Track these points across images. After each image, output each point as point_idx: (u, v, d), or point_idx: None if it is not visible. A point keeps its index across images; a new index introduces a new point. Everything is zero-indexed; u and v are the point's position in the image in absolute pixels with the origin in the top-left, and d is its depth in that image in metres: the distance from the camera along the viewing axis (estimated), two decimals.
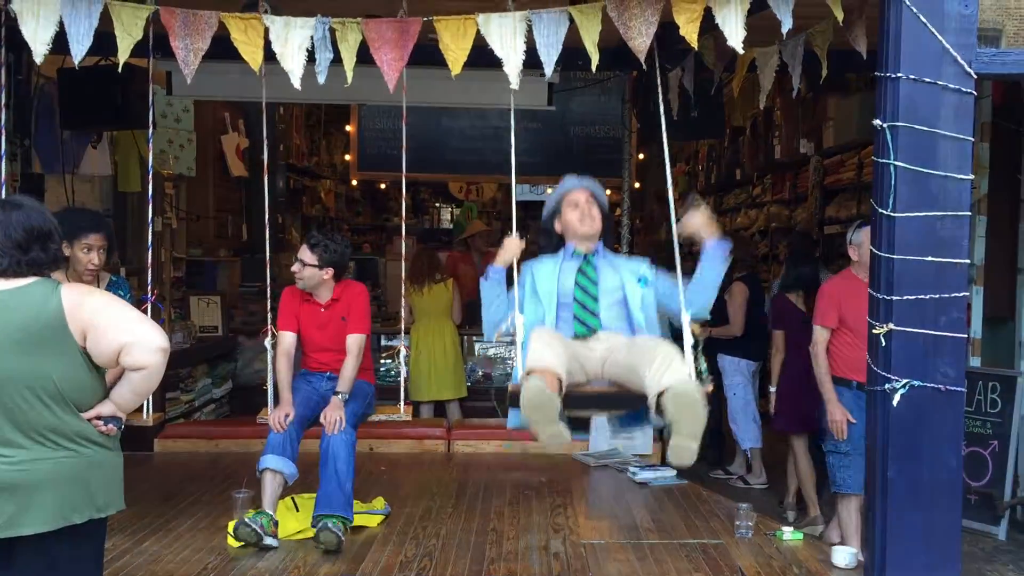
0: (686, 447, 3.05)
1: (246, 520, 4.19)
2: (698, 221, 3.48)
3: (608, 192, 4.14)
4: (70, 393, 2.55)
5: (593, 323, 3.59)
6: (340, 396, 4.43)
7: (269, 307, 4.57)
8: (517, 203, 3.80)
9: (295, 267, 4.52)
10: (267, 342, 4.48)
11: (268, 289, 4.53)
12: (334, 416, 4.36)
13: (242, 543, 4.23)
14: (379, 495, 4.93)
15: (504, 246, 3.59)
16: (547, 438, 3.13)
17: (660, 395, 3.11)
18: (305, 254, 4.49)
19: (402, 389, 4.63)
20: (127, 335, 2.55)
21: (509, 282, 3.62)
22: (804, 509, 5.76)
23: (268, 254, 4.50)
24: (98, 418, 2.60)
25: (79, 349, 2.55)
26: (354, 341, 4.51)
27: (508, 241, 3.59)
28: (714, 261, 3.47)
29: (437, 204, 15.82)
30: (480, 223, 10.17)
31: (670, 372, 3.14)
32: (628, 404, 3.49)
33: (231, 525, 4.34)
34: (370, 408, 4.69)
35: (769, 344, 5.97)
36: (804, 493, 5.73)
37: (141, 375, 2.59)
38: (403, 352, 4.63)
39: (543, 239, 3.88)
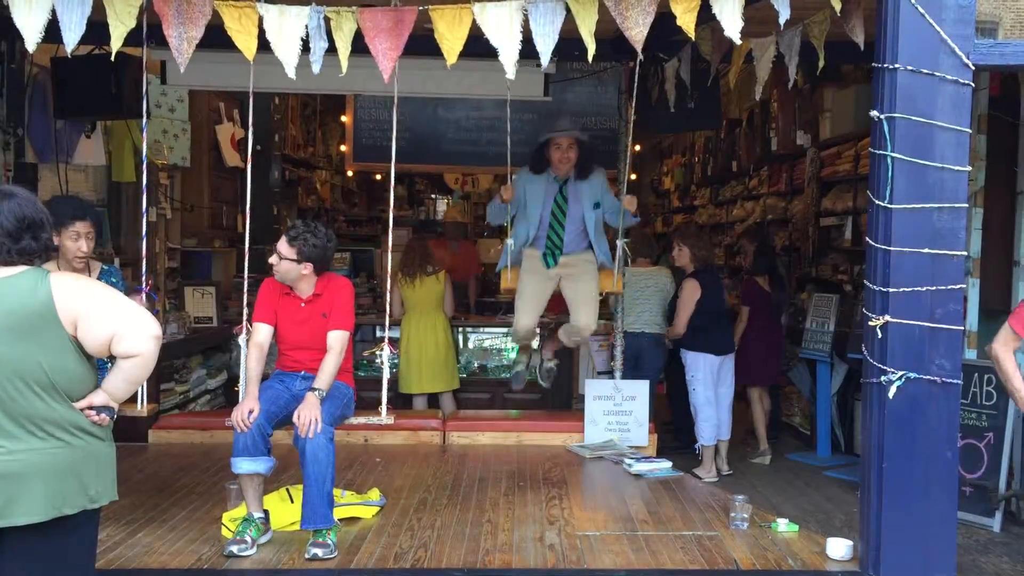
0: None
1: (233, 547, 4.01)
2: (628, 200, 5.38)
3: None
4: (61, 382, 2.54)
5: (558, 256, 5.56)
6: (317, 393, 4.10)
7: (246, 302, 4.41)
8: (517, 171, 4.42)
9: (272, 259, 4.23)
10: (241, 339, 4.30)
11: (245, 283, 4.44)
12: (309, 416, 4.02)
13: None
14: (374, 486, 4.92)
15: (502, 193, 5.37)
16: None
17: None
18: (283, 246, 4.19)
19: (384, 392, 4.41)
20: (118, 323, 2.54)
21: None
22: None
23: (248, 245, 4.44)
24: (90, 408, 2.59)
25: (69, 338, 2.54)
26: (336, 338, 4.22)
27: (505, 190, 5.35)
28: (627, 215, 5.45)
29: (433, 196, 15.77)
30: (455, 212, 10.04)
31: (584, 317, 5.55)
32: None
33: (226, 516, 4.33)
34: (348, 411, 4.42)
35: (733, 336, 6.88)
36: (756, 431, 7.05)
37: (133, 363, 2.58)
38: (386, 351, 4.41)
39: (532, 158, 5.56)
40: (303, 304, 4.31)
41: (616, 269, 5.57)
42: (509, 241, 5.46)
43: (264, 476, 4.18)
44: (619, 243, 5.49)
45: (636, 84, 4.64)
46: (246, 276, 4.46)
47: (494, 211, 5.59)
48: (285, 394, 4.28)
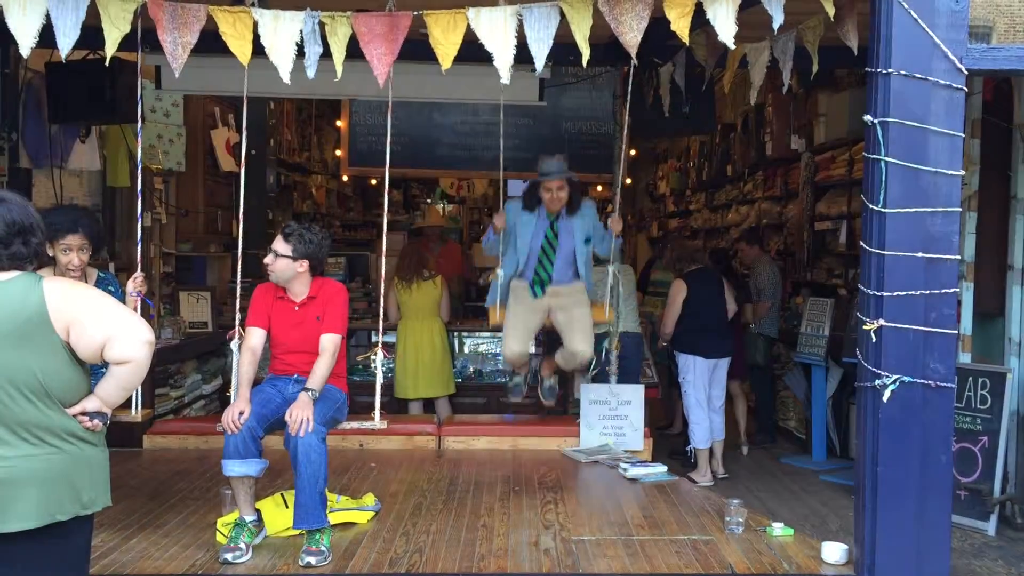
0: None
1: (227, 555, 3.99)
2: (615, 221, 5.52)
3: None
4: (54, 388, 2.53)
5: (546, 286, 5.64)
6: (310, 393, 4.09)
7: (239, 307, 4.40)
8: (508, 198, 4.35)
9: (268, 258, 4.25)
10: (233, 344, 4.29)
11: (238, 288, 4.43)
12: (301, 415, 4.00)
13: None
14: (369, 491, 4.91)
15: (495, 222, 5.59)
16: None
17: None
18: (279, 244, 4.22)
19: (377, 396, 4.43)
20: (111, 329, 2.53)
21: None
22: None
23: (241, 250, 4.40)
24: (83, 414, 2.59)
25: (62, 344, 2.53)
26: (329, 340, 4.23)
27: (497, 218, 5.58)
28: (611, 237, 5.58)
29: (428, 200, 15.76)
30: (437, 214, 9.90)
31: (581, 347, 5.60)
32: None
33: (220, 521, 4.32)
34: (340, 414, 4.41)
35: (731, 341, 6.85)
36: (737, 420, 7.41)
37: (126, 369, 2.57)
38: (379, 356, 4.43)
39: (525, 196, 5.66)
40: (297, 308, 4.32)
41: (607, 299, 5.71)
42: (499, 272, 5.57)
43: (255, 478, 4.18)
44: (610, 268, 5.61)
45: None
46: (239, 281, 4.44)
47: (490, 243, 5.72)
48: (277, 397, 4.27)
